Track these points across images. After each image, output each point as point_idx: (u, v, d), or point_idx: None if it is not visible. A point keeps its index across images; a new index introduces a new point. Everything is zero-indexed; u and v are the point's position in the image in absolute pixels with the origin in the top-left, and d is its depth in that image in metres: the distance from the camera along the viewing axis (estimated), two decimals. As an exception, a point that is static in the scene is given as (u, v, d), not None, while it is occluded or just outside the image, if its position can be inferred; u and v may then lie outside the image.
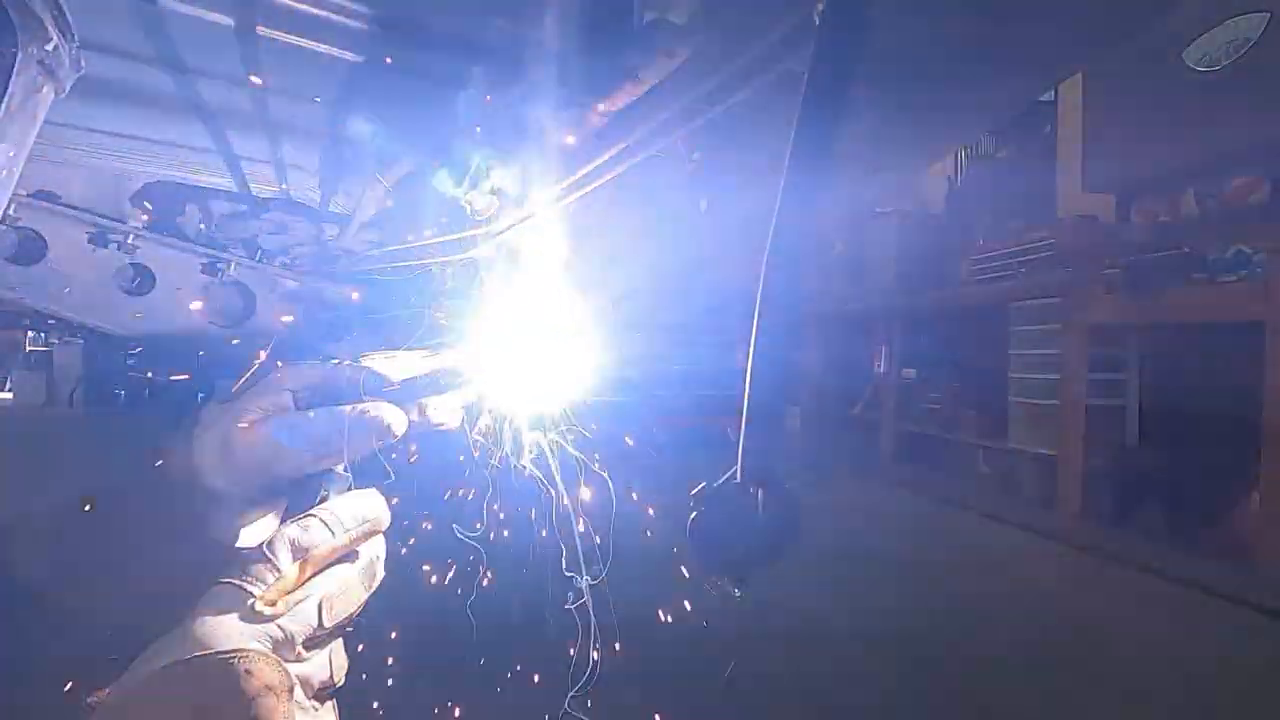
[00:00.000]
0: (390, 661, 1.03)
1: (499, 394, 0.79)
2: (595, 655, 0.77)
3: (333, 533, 0.62)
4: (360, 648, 0.67)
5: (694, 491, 0.89)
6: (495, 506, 0.86)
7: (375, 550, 0.67)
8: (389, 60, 1.47)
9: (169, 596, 0.57)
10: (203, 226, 2.06)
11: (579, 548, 0.80)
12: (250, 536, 0.64)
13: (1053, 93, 5.59)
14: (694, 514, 0.89)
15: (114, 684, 0.53)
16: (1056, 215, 5.72)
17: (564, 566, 0.81)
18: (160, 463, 0.65)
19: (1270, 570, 3.37)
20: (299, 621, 0.58)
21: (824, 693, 2.46)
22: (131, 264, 1.91)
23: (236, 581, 0.57)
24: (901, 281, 6.95)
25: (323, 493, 0.65)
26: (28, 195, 1.74)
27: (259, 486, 0.65)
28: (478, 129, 1.41)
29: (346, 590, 0.63)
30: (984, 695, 2.46)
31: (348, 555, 0.64)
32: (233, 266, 2.01)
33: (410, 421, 0.69)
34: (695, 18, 1.16)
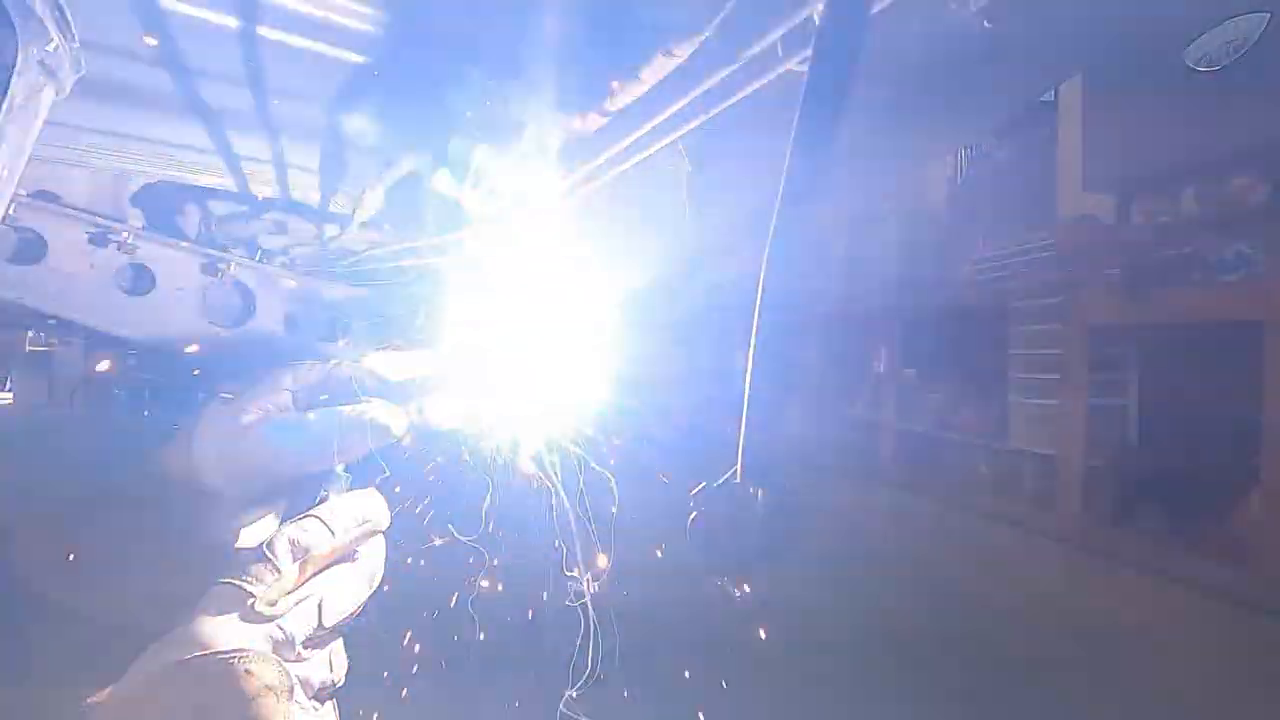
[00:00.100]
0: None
1: (491, 421, 0.79)
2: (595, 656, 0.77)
3: (332, 533, 0.62)
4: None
5: (694, 491, 0.89)
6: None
7: (375, 550, 0.67)
8: (389, 61, 1.47)
9: (169, 596, 0.57)
10: (203, 227, 2.06)
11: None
12: (250, 537, 0.64)
13: (1053, 93, 5.59)
14: (694, 514, 0.89)
15: (114, 684, 0.53)
16: (1056, 215, 5.72)
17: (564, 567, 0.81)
18: (160, 463, 0.65)
19: (1270, 570, 3.37)
20: (299, 621, 0.58)
21: (824, 692, 2.46)
22: (131, 264, 1.91)
23: (237, 582, 0.57)
24: (901, 281, 6.94)
25: (322, 493, 0.65)
26: (28, 195, 1.74)
27: (259, 487, 0.65)
28: (468, 114, 1.41)
29: (346, 590, 0.63)
30: (984, 695, 2.46)
31: (347, 555, 0.64)
32: (233, 266, 2.00)
33: (409, 422, 0.69)
34: (695, 18, 1.16)
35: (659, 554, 1.14)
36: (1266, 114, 3.75)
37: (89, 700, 0.53)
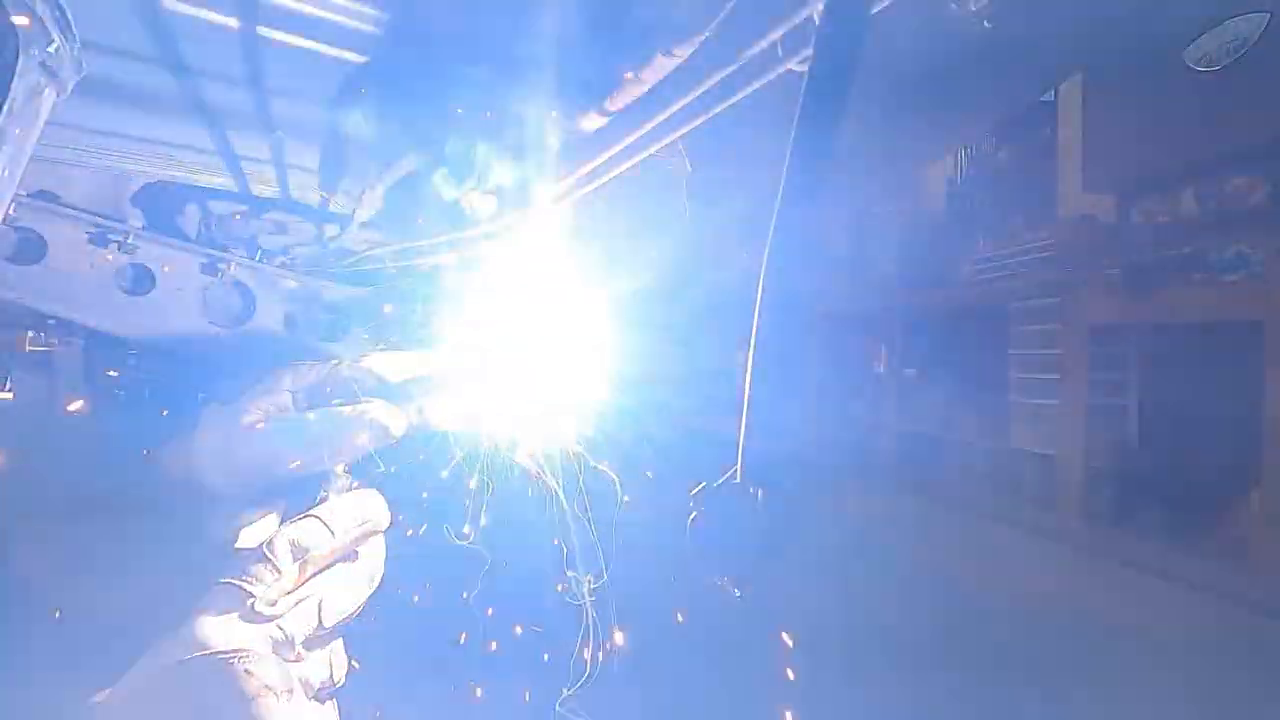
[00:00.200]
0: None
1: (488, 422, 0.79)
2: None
3: (332, 533, 0.62)
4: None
5: (694, 491, 0.89)
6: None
7: (374, 550, 0.67)
8: (389, 60, 1.47)
9: (169, 596, 0.57)
10: (203, 227, 2.06)
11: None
12: (250, 537, 0.64)
13: (1053, 93, 5.59)
14: (694, 514, 0.89)
15: (115, 684, 0.53)
16: (1056, 215, 5.72)
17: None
18: (161, 463, 0.65)
19: (1270, 570, 3.37)
20: (299, 621, 0.58)
21: (824, 692, 2.46)
22: (131, 264, 1.91)
23: (237, 582, 0.57)
24: (901, 281, 6.94)
25: (322, 493, 0.65)
26: (28, 195, 1.74)
27: (259, 487, 0.65)
28: (468, 114, 1.41)
29: (346, 590, 0.63)
30: (984, 694, 2.46)
31: (347, 555, 0.64)
32: (233, 266, 2.00)
33: (409, 422, 0.69)
34: (695, 18, 1.16)
35: (658, 553, 1.14)
36: (1266, 114, 3.75)
37: (89, 700, 0.53)
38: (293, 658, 0.58)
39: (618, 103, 1.35)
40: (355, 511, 0.65)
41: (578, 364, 0.86)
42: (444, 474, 0.81)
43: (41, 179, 1.80)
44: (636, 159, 1.45)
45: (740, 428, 0.87)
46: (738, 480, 0.86)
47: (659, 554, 1.13)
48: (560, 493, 0.81)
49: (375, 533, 0.67)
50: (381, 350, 0.74)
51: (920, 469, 6.19)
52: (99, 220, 1.85)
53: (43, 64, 0.52)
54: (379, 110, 1.59)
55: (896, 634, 2.92)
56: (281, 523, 0.64)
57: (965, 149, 7.22)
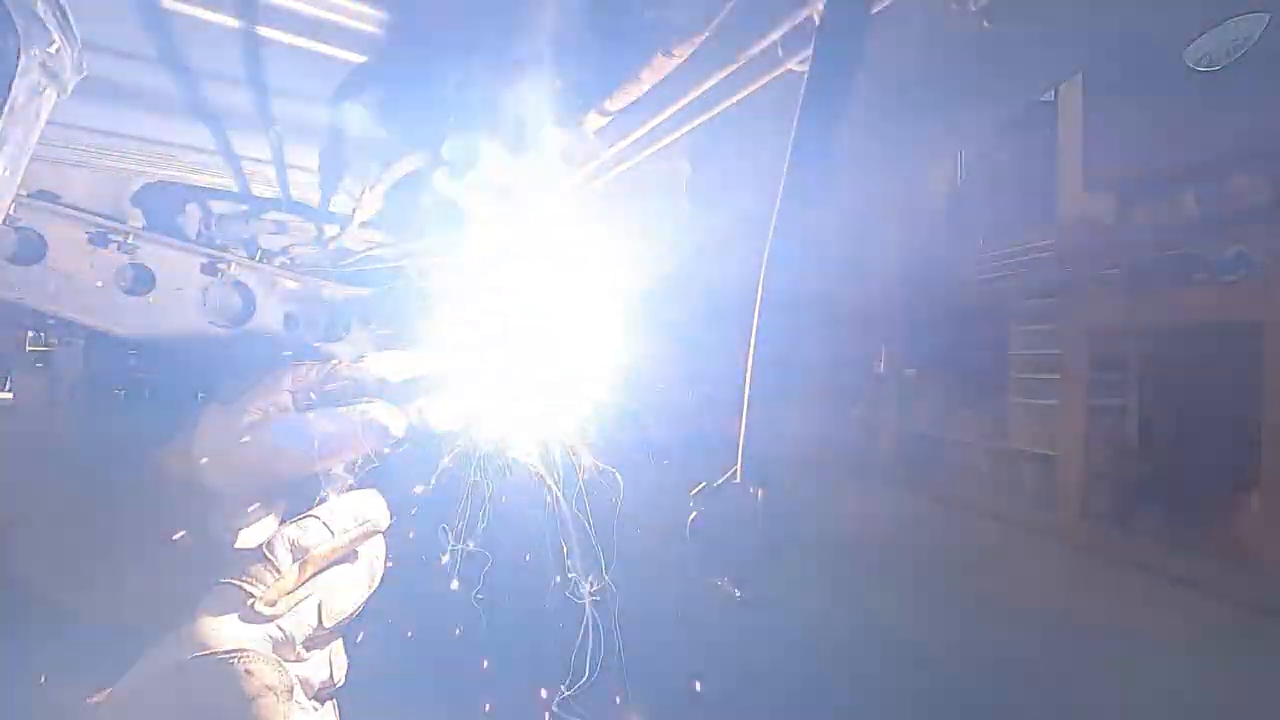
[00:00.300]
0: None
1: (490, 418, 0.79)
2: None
3: (332, 533, 0.62)
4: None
5: (694, 491, 0.89)
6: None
7: (374, 550, 0.67)
8: (389, 60, 1.47)
9: (169, 596, 0.57)
10: (203, 227, 2.06)
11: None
12: (250, 537, 0.64)
13: (1053, 93, 5.59)
14: (694, 514, 0.89)
15: (115, 684, 0.53)
16: (1056, 215, 5.72)
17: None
18: (161, 463, 0.65)
19: (1270, 570, 3.37)
20: (299, 622, 0.58)
21: (824, 692, 2.46)
22: (131, 264, 1.91)
23: (236, 582, 0.57)
24: (901, 282, 6.95)
25: (322, 493, 0.65)
26: (28, 195, 1.74)
27: (259, 487, 0.65)
28: (467, 114, 1.41)
29: (346, 590, 0.63)
30: (984, 694, 2.46)
31: (347, 555, 0.64)
32: (233, 266, 2.00)
33: (409, 423, 0.69)
34: (695, 18, 1.16)
35: (657, 552, 1.14)
36: (1266, 114, 3.75)
37: (89, 700, 0.53)
38: (293, 658, 0.58)
39: (618, 103, 1.35)
40: (355, 511, 0.65)
41: (577, 364, 0.86)
42: (443, 474, 0.81)
43: (42, 179, 1.80)
44: (636, 159, 1.45)
45: (740, 428, 0.87)
46: (738, 480, 0.86)
47: (659, 554, 1.13)
48: (559, 493, 0.81)
49: (375, 533, 0.67)
50: (381, 350, 0.73)
51: (920, 469, 6.19)
52: (99, 220, 1.85)
53: (43, 65, 0.52)
54: (379, 110, 1.58)
55: (896, 633, 2.92)
56: (281, 523, 0.64)
57: (965, 149, 7.23)
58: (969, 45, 1.28)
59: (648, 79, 1.26)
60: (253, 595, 0.56)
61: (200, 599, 0.56)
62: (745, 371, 0.86)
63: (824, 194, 0.86)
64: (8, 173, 0.52)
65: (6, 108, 0.49)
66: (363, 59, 1.50)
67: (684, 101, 1.27)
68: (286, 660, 0.56)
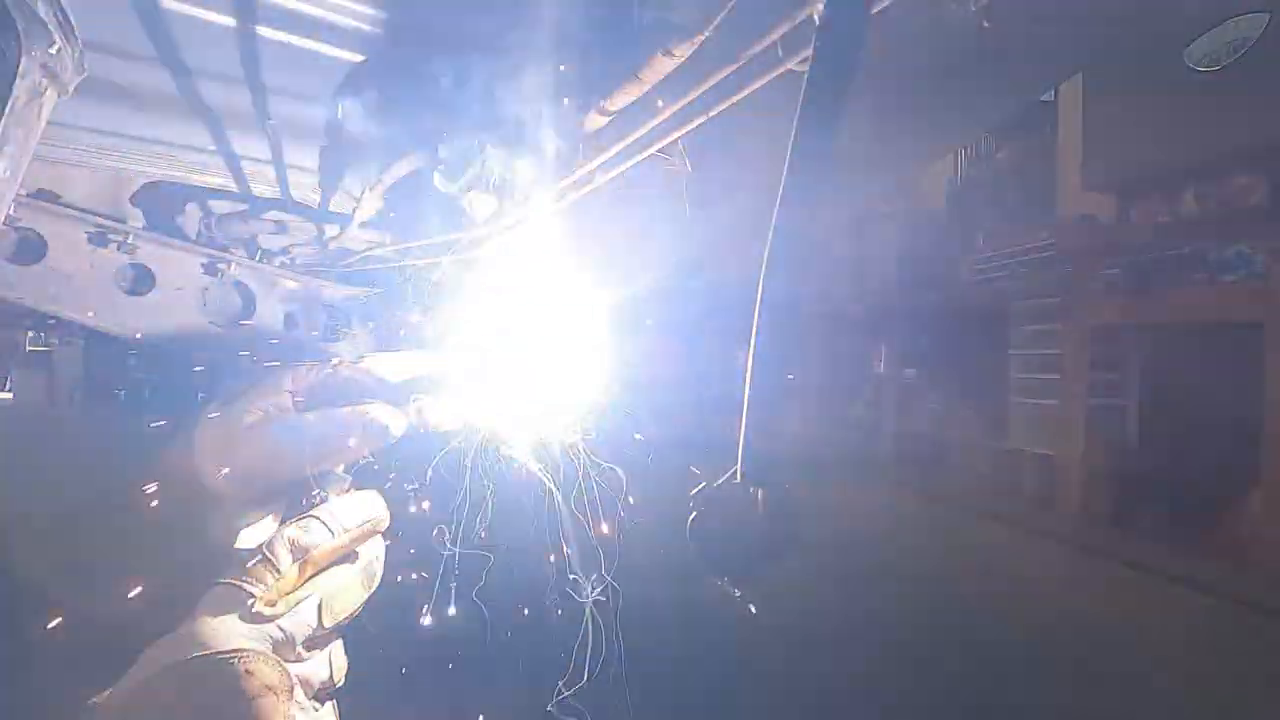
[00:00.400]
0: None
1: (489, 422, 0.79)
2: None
3: (332, 533, 0.62)
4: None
5: (694, 492, 0.89)
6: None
7: (374, 551, 0.67)
8: (389, 60, 1.47)
9: (169, 596, 0.57)
10: (203, 227, 2.06)
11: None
12: (250, 537, 0.65)
13: (1053, 93, 5.59)
14: (694, 514, 0.89)
15: (116, 684, 0.53)
16: (1056, 215, 5.72)
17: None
18: (161, 464, 0.65)
19: (1270, 570, 3.37)
20: (299, 622, 0.58)
21: (824, 692, 2.46)
22: (131, 264, 1.91)
23: (237, 582, 0.57)
24: (901, 281, 6.95)
25: (322, 493, 0.65)
26: (28, 195, 1.74)
27: (259, 488, 0.65)
28: (467, 114, 1.41)
29: (346, 590, 0.63)
30: (984, 695, 2.46)
31: (347, 555, 0.64)
32: (233, 266, 2.00)
33: (409, 423, 0.69)
34: (695, 18, 1.16)
35: (658, 550, 1.14)
36: (1266, 114, 3.75)
37: (89, 700, 0.53)
38: (293, 658, 0.58)
39: (618, 103, 1.35)
40: (355, 511, 0.65)
41: (577, 364, 0.86)
42: (443, 473, 0.81)
43: (41, 179, 1.80)
44: (636, 159, 1.45)
45: (740, 428, 0.87)
46: (738, 480, 0.86)
47: (659, 554, 1.13)
48: (558, 494, 0.81)
49: (375, 533, 0.67)
50: (381, 350, 0.73)
51: (920, 469, 6.19)
52: (99, 220, 1.85)
53: (44, 65, 0.52)
54: (379, 110, 1.59)
55: (896, 633, 2.92)
56: (281, 523, 0.64)
57: (965, 149, 7.23)
58: (969, 45, 1.28)
59: (648, 79, 1.26)
60: (253, 595, 0.56)
61: (200, 599, 0.57)
62: (745, 371, 0.86)
63: (824, 194, 0.86)
64: (8, 173, 0.52)
65: (7, 108, 0.49)
66: (362, 58, 1.50)
67: (684, 101, 1.27)
68: (286, 660, 0.57)
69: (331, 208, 2.11)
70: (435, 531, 0.85)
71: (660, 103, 1.31)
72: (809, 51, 0.96)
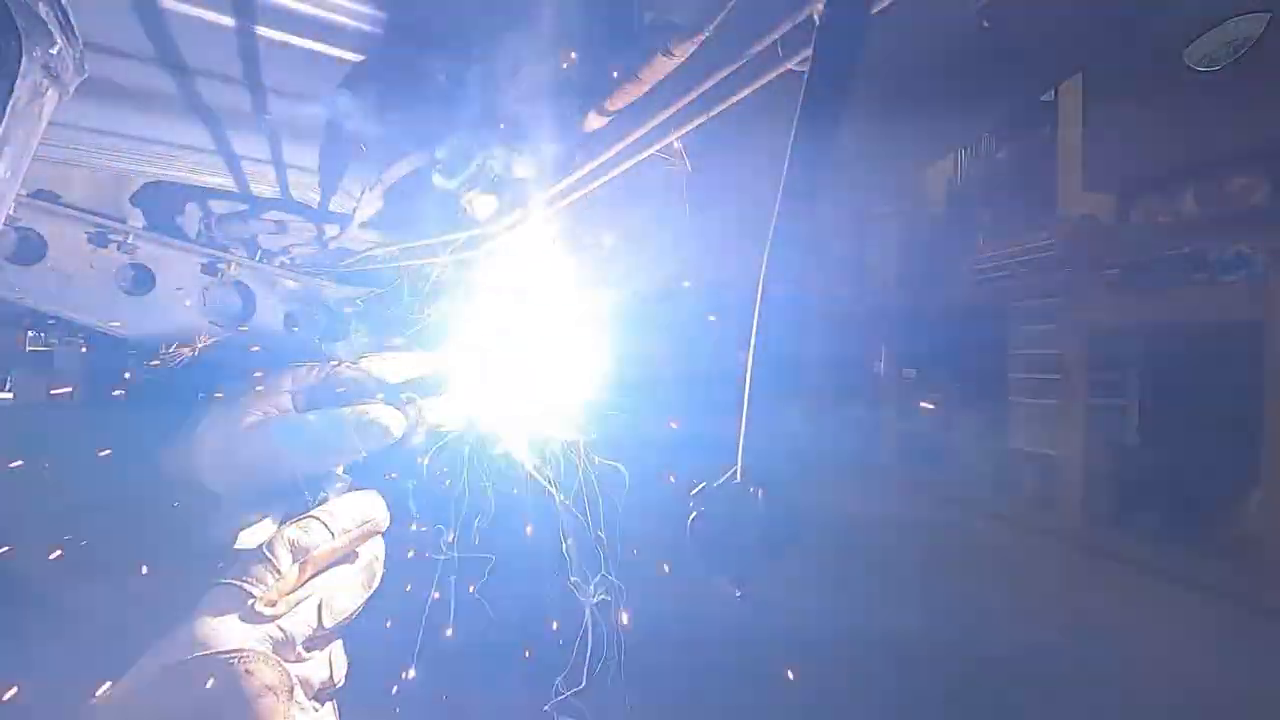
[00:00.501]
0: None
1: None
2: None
3: (332, 534, 0.62)
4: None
5: (694, 491, 0.89)
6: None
7: (374, 551, 0.67)
8: (388, 60, 1.47)
9: (169, 596, 0.57)
10: (203, 227, 2.06)
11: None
12: (250, 538, 0.65)
13: (1053, 93, 5.59)
14: (694, 514, 0.89)
15: (116, 683, 0.53)
16: (1056, 215, 5.72)
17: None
18: (162, 464, 0.65)
19: (1270, 570, 3.37)
20: (299, 622, 0.58)
21: (824, 693, 2.46)
22: (131, 264, 1.91)
23: (237, 582, 0.57)
24: (901, 281, 6.95)
25: (322, 494, 0.65)
26: (28, 195, 1.74)
27: (259, 488, 0.65)
28: (467, 114, 1.41)
29: (346, 591, 0.63)
30: (983, 695, 2.46)
31: (347, 556, 0.64)
32: (233, 266, 2.00)
33: (408, 423, 0.69)
34: (695, 18, 1.16)
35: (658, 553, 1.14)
36: (1266, 114, 3.75)
37: (89, 700, 0.53)
38: (293, 658, 0.58)
39: (618, 103, 1.35)
40: (355, 512, 0.65)
41: (577, 365, 0.86)
42: (442, 472, 0.81)
43: (41, 179, 1.80)
44: (636, 159, 1.45)
45: (740, 428, 0.87)
46: (738, 480, 0.86)
47: (659, 554, 1.13)
48: (557, 495, 0.81)
49: (375, 533, 0.67)
50: (381, 351, 0.74)
51: (920, 469, 6.19)
52: (99, 220, 1.85)
53: (45, 66, 0.52)
54: (379, 110, 1.58)
55: (896, 633, 2.92)
56: (281, 523, 0.64)
57: (965, 149, 7.22)
58: (969, 45, 1.28)
59: (648, 79, 1.26)
60: (253, 595, 0.56)
61: (200, 599, 0.57)
62: (745, 371, 0.86)
63: (824, 194, 0.87)
64: (9, 174, 0.52)
65: (8, 108, 0.49)
66: (362, 58, 1.50)
67: (684, 101, 1.27)
68: (286, 660, 0.57)
69: (331, 208, 2.11)
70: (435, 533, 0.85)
71: (660, 103, 1.32)
72: (809, 51, 0.96)
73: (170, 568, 0.61)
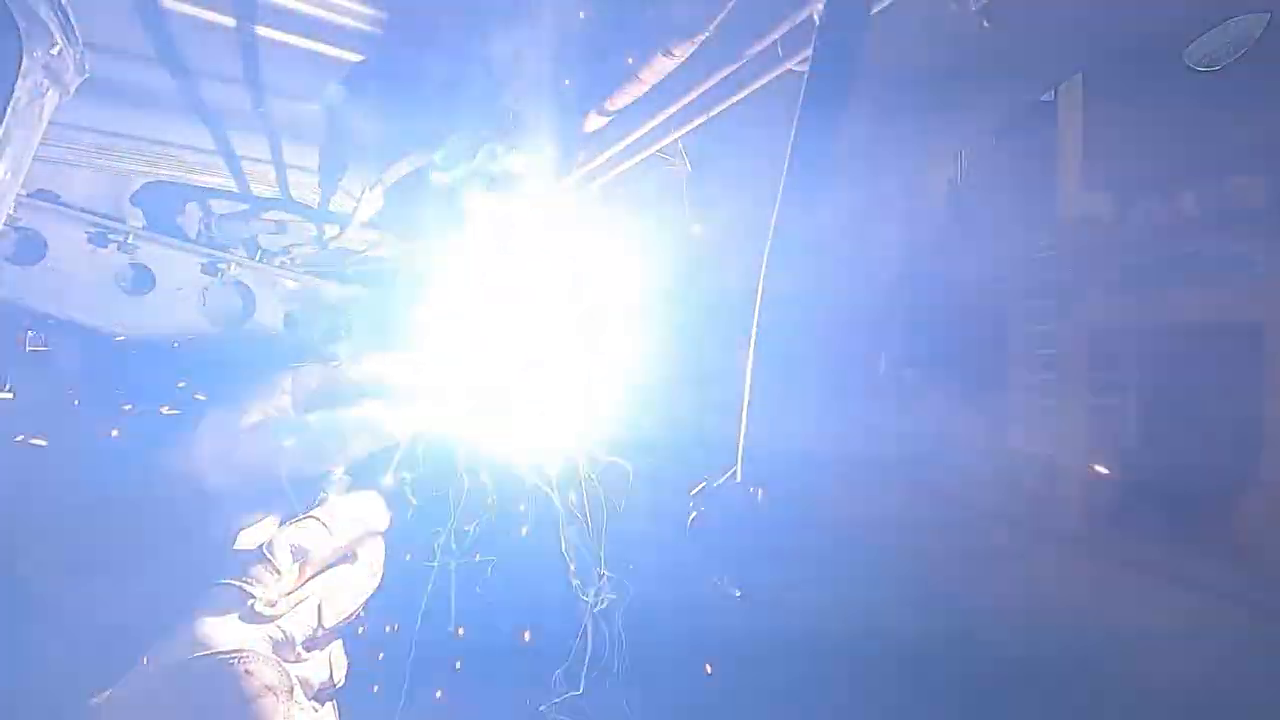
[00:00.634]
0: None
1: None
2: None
3: (332, 534, 0.62)
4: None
5: (694, 491, 0.89)
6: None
7: (374, 551, 0.67)
8: (388, 60, 1.47)
9: (169, 596, 0.57)
10: (203, 227, 2.06)
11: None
12: (250, 538, 0.65)
13: (1053, 93, 5.58)
14: (694, 514, 0.89)
15: (116, 684, 0.53)
16: (1056, 215, 5.71)
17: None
18: (163, 465, 0.65)
19: (1270, 570, 3.37)
20: (299, 622, 0.59)
21: (823, 691, 2.46)
22: (131, 264, 1.91)
23: (237, 583, 0.57)
24: (901, 281, 6.95)
25: (322, 495, 0.65)
26: (28, 195, 1.74)
27: (259, 489, 0.65)
28: (467, 114, 1.41)
29: (346, 591, 0.63)
30: (983, 695, 2.46)
31: (347, 556, 0.64)
32: (233, 266, 2.00)
33: (408, 424, 0.69)
34: (695, 18, 1.16)
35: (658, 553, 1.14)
36: (1266, 114, 3.75)
37: (91, 700, 0.53)
38: (293, 658, 0.58)
39: (618, 103, 1.35)
40: (354, 513, 0.65)
41: (577, 365, 0.86)
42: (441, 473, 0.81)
43: (41, 179, 1.80)
44: (636, 159, 1.45)
45: (740, 428, 0.87)
46: (738, 480, 0.86)
47: (660, 554, 1.13)
48: (557, 496, 0.81)
49: (374, 534, 0.67)
50: (381, 352, 0.74)
51: (920, 469, 6.19)
52: (99, 220, 1.85)
53: (46, 66, 0.52)
54: (379, 110, 1.59)
55: (895, 634, 2.92)
56: (281, 524, 0.64)
57: (965, 149, 7.22)
58: (969, 45, 1.28)
59: (648, 79, 1.26)
60: (253, 596, 0.56)
61: (200, 599, 0.57)
62: (745, 371, 0.86)
63: (824, 193, 0.87)
64: (10, 173, 0.52)
65: (9, 108, 0.49)
66: (362, 58, 1.50)
67: (684, 101, 1.27)
68: (286, 660, 0.57)
69: (331, 208, 2.11)
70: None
71: (660, 103, 1.32)
72: (809, 51, 0.96)
73: (170, 568, 0.61)
